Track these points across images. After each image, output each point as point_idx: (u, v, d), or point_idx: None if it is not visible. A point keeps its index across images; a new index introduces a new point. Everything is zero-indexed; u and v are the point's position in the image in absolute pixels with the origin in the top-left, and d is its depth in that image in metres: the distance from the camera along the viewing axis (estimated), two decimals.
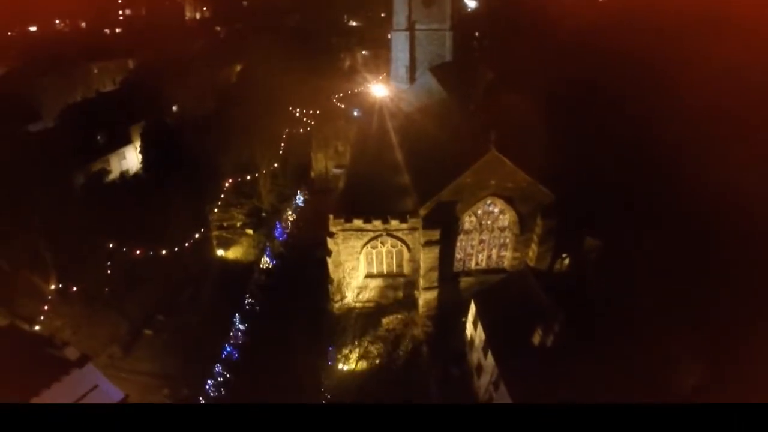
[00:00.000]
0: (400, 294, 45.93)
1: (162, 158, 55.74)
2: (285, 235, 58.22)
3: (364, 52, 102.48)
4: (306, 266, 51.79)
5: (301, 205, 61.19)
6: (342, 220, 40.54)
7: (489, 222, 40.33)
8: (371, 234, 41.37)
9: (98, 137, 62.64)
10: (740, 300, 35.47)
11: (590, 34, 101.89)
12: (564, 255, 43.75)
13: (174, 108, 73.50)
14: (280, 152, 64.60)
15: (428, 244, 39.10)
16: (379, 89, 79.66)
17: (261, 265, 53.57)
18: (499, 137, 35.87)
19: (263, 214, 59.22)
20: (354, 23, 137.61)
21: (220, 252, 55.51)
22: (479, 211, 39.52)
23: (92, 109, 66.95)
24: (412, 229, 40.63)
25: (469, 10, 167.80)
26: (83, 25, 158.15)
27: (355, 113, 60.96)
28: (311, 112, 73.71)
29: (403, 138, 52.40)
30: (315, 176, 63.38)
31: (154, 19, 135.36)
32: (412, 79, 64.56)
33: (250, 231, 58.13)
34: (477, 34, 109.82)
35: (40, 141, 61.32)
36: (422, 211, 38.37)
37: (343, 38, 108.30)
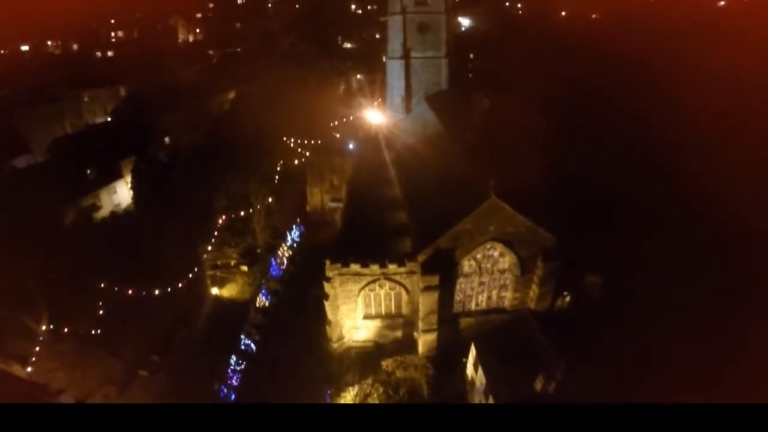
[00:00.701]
0: (399, 333, 45.37)
1: (153, 196, 54.99)
2: (280, 272, 57.55)
3: (358, 76, 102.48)
4: (303, 304, 51.31)
5: (297, 240, 60.46)
6: (339, 265, 40.10)
7: (489, 265, 39.98)
8: (369, 278, 40.95)
9: (88, 171, 61.76)
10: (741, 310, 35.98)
11: (583, 52, 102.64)
12: (565, 293, 43.31)
13: (166, 139, 72.92)
14: (275, 183, 63.86)
15: (427, 289, 38.65)
16: (374, 115, 79.65)
17: (257, 304, 52.77)
18: (498, 179, 35.49)
19: (258, 250, 58.46)
20: (348, 45, 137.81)
21: (214, 290, 54.98)
22: (479, 255, 39.12)
23: (82, 142, 66.62)
24: (411, 273, 40.12)
25: (463, 29, 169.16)
26: (75, 47, 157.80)
27: (351, 146, 60.29)
28: (306, 141, 73.28)
29: (400, 173, 52.16)
30: (311, 209, 62.77)
31: (147, 42, 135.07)
32: (408, 108, 64.32)
33: (244, 268, 57.66)
34: (471, 56, 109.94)
35: (29, 176, 60.76)
36: (420, 258, 37.84)
37: (338, 61, 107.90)
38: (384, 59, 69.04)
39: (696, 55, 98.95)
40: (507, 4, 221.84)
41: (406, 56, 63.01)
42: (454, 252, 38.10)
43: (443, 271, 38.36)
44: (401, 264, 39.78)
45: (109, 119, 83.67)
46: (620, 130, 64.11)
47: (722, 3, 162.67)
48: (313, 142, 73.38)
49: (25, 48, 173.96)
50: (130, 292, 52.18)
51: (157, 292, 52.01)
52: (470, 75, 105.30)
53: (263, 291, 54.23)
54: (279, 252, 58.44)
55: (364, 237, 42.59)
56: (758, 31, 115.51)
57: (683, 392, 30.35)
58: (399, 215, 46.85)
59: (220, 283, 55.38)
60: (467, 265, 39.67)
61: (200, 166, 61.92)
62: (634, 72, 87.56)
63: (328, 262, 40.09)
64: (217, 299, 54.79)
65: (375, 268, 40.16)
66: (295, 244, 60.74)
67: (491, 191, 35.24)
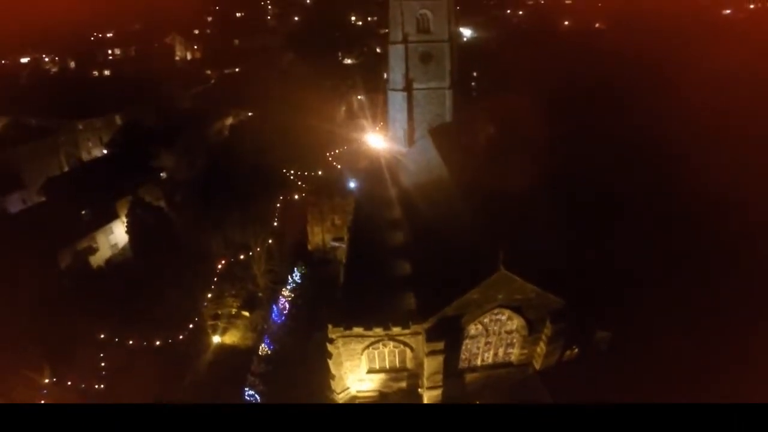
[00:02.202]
0: (404, 384, 44.89)
1: (150, 240, 54.08)
2: (283, 317, 56.42)
3: (359, 97, 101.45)
4: (305, 349, 50.52)
5: (299, 281, 59.31)
6: (341, 328, 39.19)
7: (496, 327, 39.52)
8: (372, 338, 39.99)
9: (83, 212, 60.82)
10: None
11: (590, 67, 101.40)
12: (573, 347, 42.39)
13: (162, 174, 71.97)
14: (275, 223, 62.79)
15: (432, 353, 38.09)
16: (375, 140, 78.62)
17: (259, 352, 51.81)
18: (507, 244, 34.36)
19: (259, 294, 57.63)
20: (349, 61, 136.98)
21: (216, 338, 54.01)
22: (486, 320, 38.60)
23: (76, 182, 65.73)
24: (415, 333, 39.20)
25: (464, 39, 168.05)
26: (72, 64, 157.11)
27: (351, 184, 59.15)
28: (306, 172, 72.17)
29: (404, 219, 51.53)
30: (312, 248, 61.78)
31: (144, 62, 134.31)
32: (411, 141, 63.46)
33: (246, 313, 57.12)
34: (475, 74, 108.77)
35: (24, 219, 60.10)
36: (425, 325, 37.25)
37: (339, 81, 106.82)
38: (386, 82, 67.91)
39: (702, 59, 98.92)
40: (508, 11, 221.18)
41: (408, 87, 61.97)
42: (460, 318, 37.63)
43: (449, 336, 37.84)
44: (405, 326, 39.15)
45: (105, 151, 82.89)
46: (638, 160, 62.76)
47: (727, 11, 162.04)
48: (313, 173, 72.31)
49: (24, 60, 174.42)
50: (131, 342, 51.18)
51: (158, 342, 51.38)
52: (474, 93, 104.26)
53: (266, 339, 53.14)
54: (280, 296, 57.30)
55: (366, 294, 41.83)
56: (761, 37, 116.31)
57: None
58: (403, 265, 46.13)
59: (222, 330, 54.46)
60: (474, 328, 39.27)
61: (197, 206, 60.95)
62: (646, 86, 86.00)
63: (330, 326, 39.59)
64: (220, 346, 54.15)
65: (378, 330, 39.56)
66: (296, 286, 59.41)
67: (500, 264, 34.48)
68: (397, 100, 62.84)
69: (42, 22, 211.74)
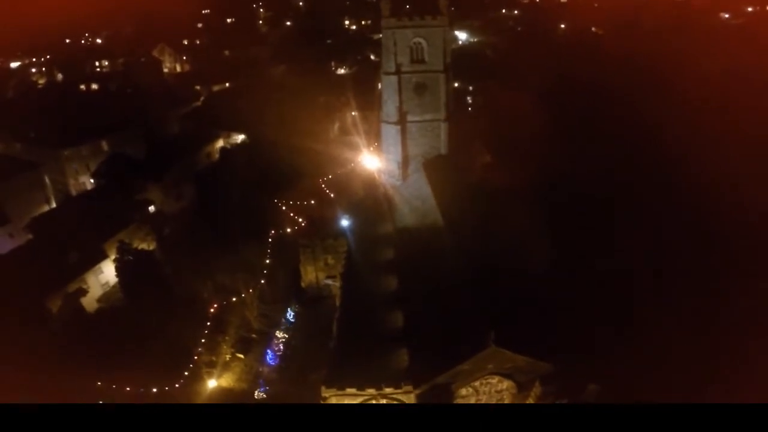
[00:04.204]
0: None
1: (140, 284, 53.54)
2: (277, 359, 56.24)
3: (353, 113, 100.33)
4: (301, 393, 50.10)
5: (293, 321, 58.86)
6: (334, 389, 39.10)
7: (486, 389, 40.08)
8: (365, 397, 39.91)
9: (72, 254, 60.17)
10: None
11: (588, 76, 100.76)
12: (564, 401, 42.32)
13: (151, 208, 71.31)
14: (267, 261, 62.10)
15: None
16: (369, 161, 77.96)
17: (255, 397, 51.57)
18: (498, 321, 35.83)
19: (253, 336, 57.38)
20: (342, 71, 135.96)
21: (212, 382, 53.98)
22: (476, 383, 39.34)
23: (63, 220, 65.25)
24: (407, 392, 39.34)
25: (460, 42, 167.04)
26: (59, 76, 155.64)
27: (344, 222, 58.48)
28: (299, 202, 71.45)
29: (397, 263, 51.80)
30: (305, 285, 61.40)
31: (132, 75, 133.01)
32: (405, 174, 62.74)
33: (241, 356, 56.90)
34: (471, 88, 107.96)
35: (11, 263, 59.68)
36: (417, 391, 38.02)
37: (332, 96, 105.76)
38: (379, 95, 66.47)
39: (702, 65, 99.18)
40: (503, 11, 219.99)
41: (402, 121, 61.06)
42: (451, 384, 38.14)
43: (440, 399, 38.13)
44: (397, 387, 39.28)
45: (92, 180, 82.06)
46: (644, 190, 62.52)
47: (726, 15, 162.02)
48: (306, 203, 71.59)
49: (15, 65, 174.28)
50: (128, 388, 50.72)
51: (155, 390, 51.14)
52: (469, 109, 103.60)
53: (261, 384, 53.02)
54: (274, 339, 56.98)
55: (359, 350, 42.20)
56: (759, 39, 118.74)
57: None
58: (396, 317, 46.19)
59: (217, 375, 54.23)
60: (465, 391, 39.83)
61: (187, 246, 60.57)
62: (649, 102, 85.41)
63: (323, 387, 39.76)
64: (216, 390, 54.06)
65: (371, 390, 39.81)
66: (291, 326, 58.98)
67: (491, 341, 35.17)
68: (390, 134, 62.09)
69: (33, 22, 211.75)
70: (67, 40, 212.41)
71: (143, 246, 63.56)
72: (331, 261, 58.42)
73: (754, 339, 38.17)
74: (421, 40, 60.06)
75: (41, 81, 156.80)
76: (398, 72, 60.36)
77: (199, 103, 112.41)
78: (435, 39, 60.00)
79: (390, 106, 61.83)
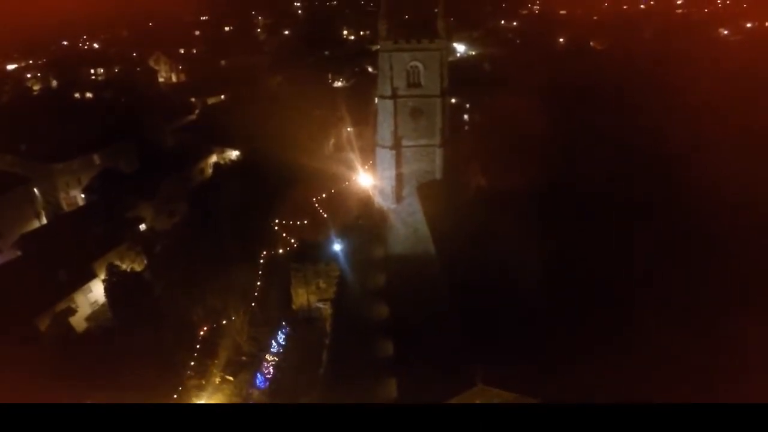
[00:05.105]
0: None
1: (130, 311, 53.53)
2: (267, 382, 55.94)
3: (349, 129, 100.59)
4: None
5: (283, 343, 58.74)
6: None
7: None
8: None
9: (60, 272, 60.10)
10: None
11: (589, 91, 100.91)
12: None
13: (142, 227, 71.24)
14: (258, 283, 62.13)
15: None
16: (364, 179, 78.18)
17: None
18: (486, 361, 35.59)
19: (243, 358, 57.17)
20: (339, 83, 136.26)
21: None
22: None
23: (52, 238, 65.18)
24: None
25: (458, 54, 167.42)
26: (54, 83, 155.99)
27: (337, 246, 58.60)
28: (292, 222, 71.52)
29: (388, 290, 51.79)
30: (297, 308, 61.36)
31: (127, 85, 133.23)
32: (399, 198, 62.95)
33: (230, 378, 56.57)
34: (468, 105, 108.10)
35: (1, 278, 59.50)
36: None
37: (328, 111, 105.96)
38: (376, 100, 66.44)
39: (701, 80, 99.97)
40: (503, 22, 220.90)
41: (397, 146, 61.22)
42: None
43: None
44: None
45: (83, 195, 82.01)
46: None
47: (725, 32, 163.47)
48: (299, 223, 71.66)
49: (11, 67, 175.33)
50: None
51: None
52: (466, 127, 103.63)
53: None
54: (264, 362, 56.72)
55: (348, 379, 42.84)
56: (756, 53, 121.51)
57: None
58: (386, 345, 46.65)
59: (207, 398, 54.14)
60: None
61: (178, 266, 60.40)
62: (653, 123, 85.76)
63: None
64: None
65: None
66: (281, 349, 58.85)
67: (478, 380, 35.26)
68: (385, 158, 62.36)
69: (31, 22, 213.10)
70: (64, 42, 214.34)
71: (134, 266, 63.62)
72: (322, 285, 58.52)
73: (755, 339, 38.23)
74: (417, 63, 60.27)
75: (36, 87, 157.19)
76: (394, 96, 60.56)
77: (193, 116, 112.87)
78: (432, 63, 60.18)
79: (385, 130, 62.01)
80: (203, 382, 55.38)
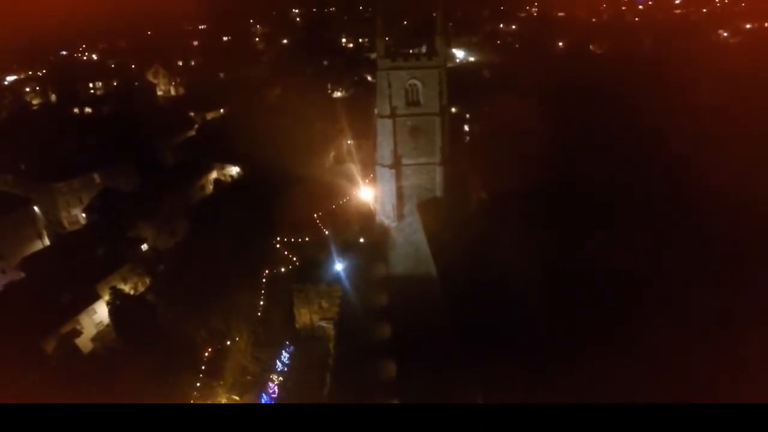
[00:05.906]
0: None
1: (133, 334, 54.36)
2: (271, 401, 57.04)
3: (349, 141, 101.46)
4: None
5: (287, 362, 59.54)
6: None
7: None
8: None
9: (65, 294, 61.12)
10: None
11: (591, 99, 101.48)
12: None
13: (144, 247, 72.13)
14: (261, 302, 62.94)
15: None
16: (365, 193, 78.84)
17: None
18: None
19: (248, 378, 58.47)
20: (339, 94, 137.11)
21: None
22: None
23: (55, 260, 66.16)
24: None
25: (457, 61, 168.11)
26: (53, 97, 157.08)
27: (338, 266, 59.44)
28: (293, 239, 72.22)
29: (390, 310, 52.60)
30: (300, 327, 62.22)
31: (126, 99, 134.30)
32: (399, 216, 63.54)
33: (236, 397, 57.56)
34: (468, 115, 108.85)
35: (4, 303, 60.51)
36: None
37: (328, 123, 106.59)
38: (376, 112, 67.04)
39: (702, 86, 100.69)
40: (501, 25, 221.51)
41: (396, 164, 61.84)
42: None
43: None
44: None
45: (84, 215, 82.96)
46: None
47: (725, 34, 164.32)
48: (300, 240, 72.34)
49: (11, 78, 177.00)
50: None
51: None
52: (467, 138, 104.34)
53: None
54: (269, 381, 57.56)
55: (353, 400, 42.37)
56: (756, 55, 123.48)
57: None
58: (389, 366, 47.16)
59: None
60: None
61: (180, 288, 61.10)
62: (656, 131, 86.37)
63: None
64: None
65: None
66: (285, 368, 59.62)
67: (479, 401, 36.11)
68: (385, 177, 62.84)
69: (31, 32, 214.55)
70: (64, 52, 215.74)
71: (137, 287, 64.52)
72: (325, 305, 59.37)
73: (755, 339, 38.48)
74: (416, 81, 60.60)
75: (35, 101, 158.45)
76: (393, 115, 60.87)
77: (193, 132, 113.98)
78: (431, 80, 60.41)
79: (385, 149, 62.37)
80: (209, 403, 56.26)
